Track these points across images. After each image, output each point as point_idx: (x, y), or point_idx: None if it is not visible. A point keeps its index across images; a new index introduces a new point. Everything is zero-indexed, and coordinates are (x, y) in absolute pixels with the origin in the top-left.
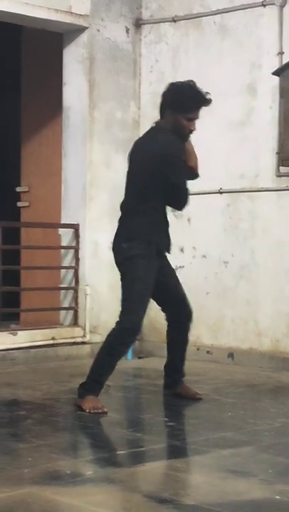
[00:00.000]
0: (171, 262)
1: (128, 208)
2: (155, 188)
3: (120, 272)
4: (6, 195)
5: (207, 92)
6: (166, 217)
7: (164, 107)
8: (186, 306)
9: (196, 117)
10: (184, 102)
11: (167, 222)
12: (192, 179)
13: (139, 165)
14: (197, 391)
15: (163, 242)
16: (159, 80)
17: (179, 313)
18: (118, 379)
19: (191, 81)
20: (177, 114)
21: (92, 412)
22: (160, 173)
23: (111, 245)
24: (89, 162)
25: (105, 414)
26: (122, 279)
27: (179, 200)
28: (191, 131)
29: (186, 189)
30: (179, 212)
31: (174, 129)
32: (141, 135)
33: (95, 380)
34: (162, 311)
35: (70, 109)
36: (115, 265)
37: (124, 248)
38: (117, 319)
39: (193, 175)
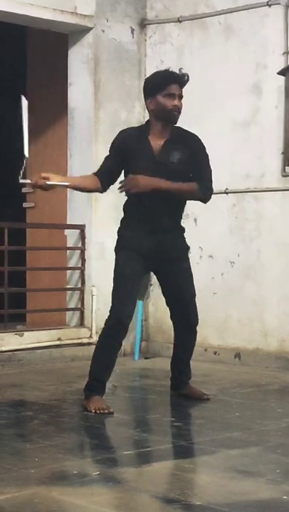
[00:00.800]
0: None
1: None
2: None
3: None
4: (12, 195)
5: (180, 69)
6: (152, 215)
7: (145, 101)
8: (188, 314)
9: (175, 92)
10: (153, 82)
11: (153, 221)
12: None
13: None
14: (204, 391)
15: (142, 240)
16: None
17: (182, 320)
18: (125, 379)
19: (166, 68)
20: (155, 95)
21: (97, 412)
22: None
23: None
24: (94, 163)
25: (111, 415)
26: None
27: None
28: (174, 107)
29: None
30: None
31: (158, 114)
32: None
33: (95, 379)
34: (169, 310)
35: (75, 109)
36: None
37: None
38: None
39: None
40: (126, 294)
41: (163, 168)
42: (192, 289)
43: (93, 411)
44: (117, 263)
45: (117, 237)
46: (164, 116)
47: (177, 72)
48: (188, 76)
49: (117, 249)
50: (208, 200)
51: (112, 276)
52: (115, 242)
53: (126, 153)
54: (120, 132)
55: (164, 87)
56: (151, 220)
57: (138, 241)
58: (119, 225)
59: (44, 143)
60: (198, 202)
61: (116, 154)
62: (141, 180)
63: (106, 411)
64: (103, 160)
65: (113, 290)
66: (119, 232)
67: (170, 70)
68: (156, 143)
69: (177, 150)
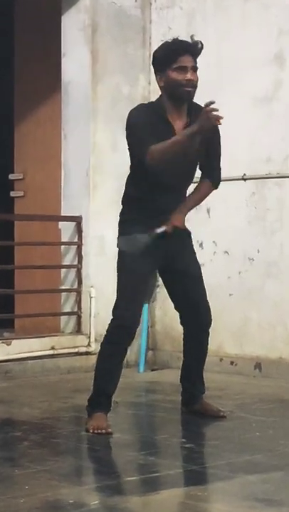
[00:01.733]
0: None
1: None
2: (133, 163)
3: None
4: None
5: (192, 35)
6: (158, 206)
7: (156, 77)
8: (201, 315)
9: (187, 64)
10: (164, 53)
11: (159, 213)
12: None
13: None
14: (219, 408)
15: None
16: None
17: (193, 321)
18: (128, 394)
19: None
20: (165, 70)
21: (94, 432)
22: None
23: None
24: (92, 144)
25: (110, 436)
26: None
27: (138, 159)
28: (188, 82)
29: (138, 141)
30: None
31: (169, 89)
32: None
33: (99, 392)
34: (176, 310)
35: (70, 83)
36: None
37: (117, 239)
38: None
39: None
40: (133, 294)
41: (187, 155)
42: (203, 284)
43: (91, 431)
44: (122, 259)
45: (120, 231)
46: (177, 93)
47: (188, 40)
48: (201, 44)
49: (122, 245)
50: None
51: (117, 274)
52: (119, 237)
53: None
54: (137, 110)
55: (173, 59)
56: (162, 213)
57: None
58: (120, 218)
59: (35, 122)
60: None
61: (151, 129)
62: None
63: (103, 431)
64: (143, 141)
65: (118, 290)
66: (125, 227)
67: (179, 38)
68: (178, 125)
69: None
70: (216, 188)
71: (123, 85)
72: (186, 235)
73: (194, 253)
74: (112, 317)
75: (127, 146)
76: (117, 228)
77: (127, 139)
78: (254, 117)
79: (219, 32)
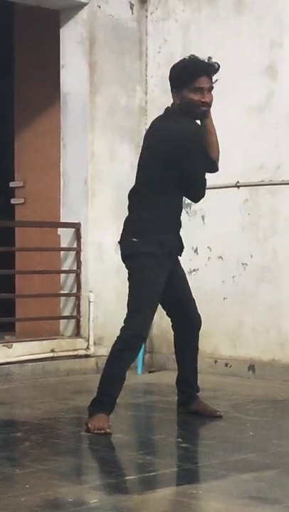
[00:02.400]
0: (183, 265)
1: (139, 198)
2: (167, 177)
3: (127, 268)
4: None
5: (209, 57)
6: (179, 213)
7: (171, 90)
8: (193, 313)
9: (204, 85)
10: (182, 73)
11: (179, 220)
12: (211, 171)
13: (150, 151)
14: (215, 408)
15: (174, 243)
16: (168, 61)
17: (185, 320)
18: (126, 396)
19: (192, 55)
20: (182, 89)
21: (95, 432)
22: (172, 161)
23: (118, 244)
24: (91, 153)
25: (109, 436)
26: (129, 278)
27: (195, 191)
28: (203, 104)
29: (203, 178)
30: (192, 208)
31: (184, 108)
32: (149, 122)
33: (105, 394)
34: (168, 316)
35: (68, 94)
36: (123, 264)
37: (134, 243)
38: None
39: (212, 165)
40: (153, 304)
41: None
42: (190, 288)
43: (91, 430)
44: (145, 268)
45: (142, 237)
46: (193, 113)
47: (206, 60)
48: (218, 65)
49: (148, 254)
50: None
51: (136, 283)
52: (142, 245)
53: None
54: (196, 130)
55: (192, 80)
56: (177, 219)
57: (170, 244)
58: (142, 225)
59: (35, 131)
60: (208, 196)
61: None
62: None
63: (103, 431)
64: (203, 173)
65: (136, 298)
66: (151, 234)
67: (197, 58)
68: None
69: None
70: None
71: (120, 96)
72: (182, 246)
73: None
74: (126, 325)
75: (125, 156)
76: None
77: (184, 168)
78: (247, 126)
79: (213, 43)
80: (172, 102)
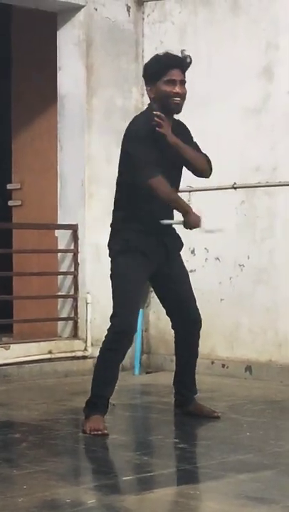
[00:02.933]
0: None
1: (115, 199)
2: (124, 171)
3: None
4: None
5: (183, 50)
6: (162, 212)
7: (146, 88)
8: (193, 313)
9: (176, 78)
10: (153, 67)
11: (158, 214)
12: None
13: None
14: (213, 408)
15: (147, 241)
16: None
17: (185, 320)
18: (124, 396)
19: (165, 51)
20: (155, 83)
21: (92, 433)
22: (125, 153)
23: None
24: (87, 155)
25: (107, 437)
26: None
27: (138, 177)
28: (176, 95)
29: (144, 163)
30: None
31: (159, 101)
32: None
33: (97, 395)
34: (167, 315)
35: (65, 96)
36: None
37: (109, 244)
38: None
39: (201, 175)
40: (130, 300)
41: (172, 160)
42: (191, 287)
43: (88, 432)
44: (118, 266)
45: (114, 238)
46: (167, 104)
47: (179, 54)
48: (190, 58)
49: (117, 252)
50: (209, 171)
51: (112, 281)
52: (113, 244)
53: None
54: (137, 127)
55: (164, 72)
56: (157, 218)
57: (143, 242)
58: (115, 225)
59: (32, 134)
60: (205, 198)
61: (151, 144)
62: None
63: (100, 432)
64: (145, 154)
65: (115, 297)
66: (120, 232)
67: (170, 52)
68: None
69: (180, 138)
70: (209, 174)
71: (117, 98)
72: (181, 244)
73: (182, 260)
74: (110, 324)
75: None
76: (110, 236)
77: (129, 153)
78: (243, 128)
79: (210, 46)
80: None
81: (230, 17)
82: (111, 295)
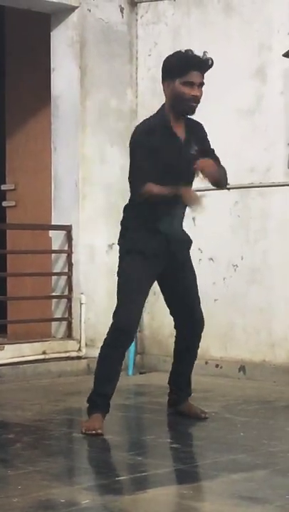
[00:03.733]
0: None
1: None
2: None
3: None
4: None
5: (205, 52)
6: (168, 212)
7: (162, 83)
8: (196, 321)
9: (194, 80)
10: (173, 65)
11: (168, 219)
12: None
13: None
14: (204, 409)
15: (149, 242)
16: (158, 64)
17: (187, 321)
18: (117, 397)
19: (189, 50)
20: (172, 82)
21: (86, 432)
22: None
23: (108, 248)
24: (81, 156)
25: (101, 436)
26: None
27: (131, 189)
28: (193, 98)
29: (135, 177)
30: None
31: (174, 101)
32: None
33: (98, 393)
34: (171, 315)
35: (59, 97)
36: (113, 266)
37: (118, 244)
38: None
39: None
40: (132, 299)
41: (187, 161)
42: (198, 292)
43: (83, 431)
44: (124, 265)
45: (123, 236)
46: (180, 105)
47: (201, 55)
48: (212, 61)
49: (125, 251)
50: (225, 184)
51: (118, 279)
52: (122, 243)
53: (152, 150)
54: (139, 132)
55: (184, 72)
56: (165, 220)
57: (150, 242)
58: (124, 223)
59: (26, 135)
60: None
61: (148, 153)
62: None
63: (93, 432)
64: (139, 163)
65: (118, 295)
66: (129, 232)
67: (192, 52)
68: (181, 134)
69: (193, 140)
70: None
71: (111, 99)
72: (188, 242)
73: (190, 260)
74: (112, 323)
75: (116, 159)
76: (119, 234)
77: (130, 158)
78: (237, 129)
79: (203, 47)
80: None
81: (224, 18)
82: (116, 293)
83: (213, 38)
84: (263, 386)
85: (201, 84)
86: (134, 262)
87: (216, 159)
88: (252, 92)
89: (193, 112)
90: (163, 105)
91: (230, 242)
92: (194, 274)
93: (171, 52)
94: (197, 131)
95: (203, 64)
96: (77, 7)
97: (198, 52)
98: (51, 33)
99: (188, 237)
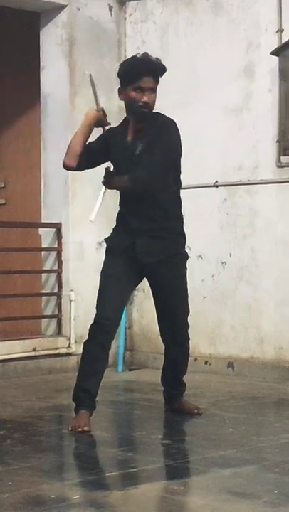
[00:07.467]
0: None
1: None
2: None
3: None
4: None
5: (158, 59)
6: (125, 210)
7: (118, 88)
8: (175, 335)
9: (146, 85)
10: (124, 71)
11: (129, 215)
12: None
13: None
14: (196, 405)
15: (114, 237)
16: None
17: (169, 339)
18: (107, 393)
19: (145, 53)
20: (125, 88)
21: (73, 430)
22: None
23: (98, 246)
24: None
25: (88, 433)
26: None
27: None
28: (144, 104)
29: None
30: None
31: (127, 106)
32: None
33: (80, 388)
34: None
35: (49, 96)
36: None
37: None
38: None
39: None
40: (106, 295)
41: (128, 161)
42: (183, 302)
43: (69, 428)
44: (103, 263)
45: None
46: (132, 111)
47: (150, 58)
48: (165, 67)
49: (106, 248)
50: (140, 189)
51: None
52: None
53: (108, 146)
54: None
55: (134, 79)
56: (130, 220)
57: (118, 242)
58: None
59: (16, 133)
60: (187, 196)
61: (100, 140)
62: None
63: (79, 429)
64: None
65: (98, 291)
66: (111, 232)
67: (145, 57)
68: (130, 135)
69: (144, 140)
70: (137, 191)
71: (100, 97)
72: (178, 253)
73: (173, 267)
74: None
75: None
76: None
77: None
78: (225, 127)
79: (191, 46)
80: None
81: (212, 17)
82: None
83: (202, 36)
84: (252, 382)
85: (152, 89)
86: (108, 260)
87: (150, 162)
88: (240, 90)
89: (144, 119)
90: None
91: (218, 240)
92: (176, 285)
93: (159, 51)
94: (156, 131)
95: (153, 69)
96: (66, 5)
97: (151, 57)
98: (40, 32)
99: (175, 245)
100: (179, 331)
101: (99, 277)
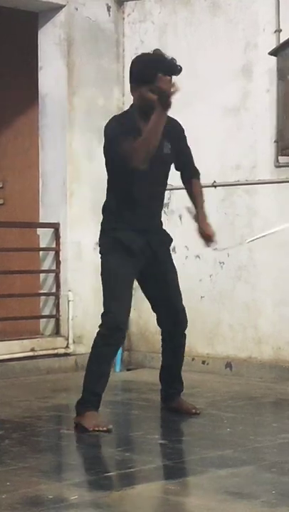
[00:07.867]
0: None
1: (105, 201)
2: (110, 174)
3: None
4: None
5: (173, 58)
6: (137, 209)
7: (130, 86)
8: (178, 318)
9: (164, 86)
10: (141, 70)
11: (142, 214)
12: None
13: None
14: (194, 405)
15: (130, 237)
16: None
17: (170, 324)
18: (105, 393)
19: (157, 49)
20: (139, 86)
21: (95, 430)
22: (105, 153)
23: (96, 246)
24: (69, 154)
25: (93, 433)
26: None
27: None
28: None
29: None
30: (170, 207)
31: (142, 106)
32: None
33: (90, 392)
34: (153, 311)
35: (47, 96)
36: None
37: (99, 244)
38: None
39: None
40: (121, 297)
41: (158, 160)
42: (179, 288)
43: (91, 428)
44: (107, 264)
45: (103, 236)
46: (145, 109)
47: (168, 58)
48: (181, 67)
49: (106, 250)
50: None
51: (103, 278)
52: (103, 242)
53: None
54: (111, 126)
55: (151, 79)
56: (143, 218)
57: (130, 240)
58: (104, 224)
59: (14, 133)
60: (182, 198)
61: (131, 137)
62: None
63: (104, 428)
64: (123, 142)
65: (106, 294)
66: (110, 231)
67: (161, 55)
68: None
69: (166, 139)
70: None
71: (98, 97)
72: (168, 240)
73: (171, 257)
74: (102, 321)
75: (103, 156)
76: (100, 233)
77: (108, 153)
78: (223, 127)
79: (190, 45)
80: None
81: (210, 17)
82: (102, 292)
83: (200, 36)
84: (250, 382)
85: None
86: (116, 260)
87: (190, 158)
88: (238, 90)
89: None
90: (131, 106)
91: (216, 239)
92: (175, 272)
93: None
94: (172, 130)
95: (170, 69)
96: (64, 6)
97: (168, 57)
98: (39, 32)
99: (169, 236)
100: (181, 312)
101: (97, 277)
